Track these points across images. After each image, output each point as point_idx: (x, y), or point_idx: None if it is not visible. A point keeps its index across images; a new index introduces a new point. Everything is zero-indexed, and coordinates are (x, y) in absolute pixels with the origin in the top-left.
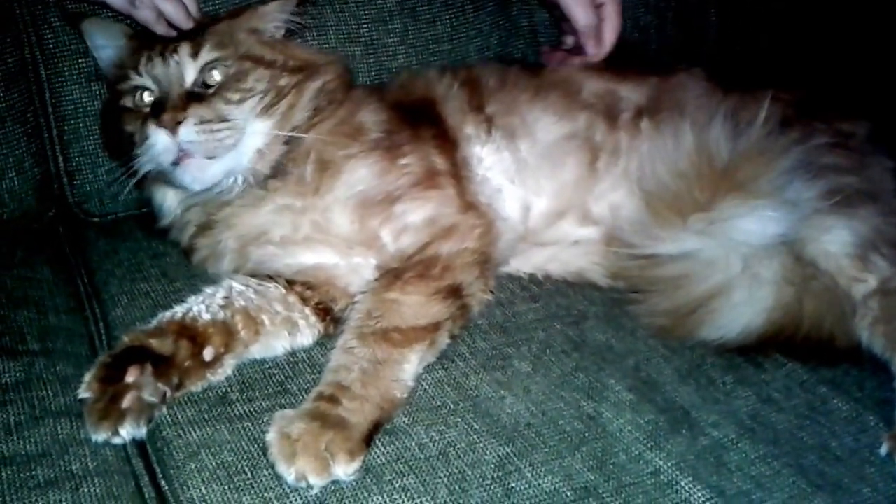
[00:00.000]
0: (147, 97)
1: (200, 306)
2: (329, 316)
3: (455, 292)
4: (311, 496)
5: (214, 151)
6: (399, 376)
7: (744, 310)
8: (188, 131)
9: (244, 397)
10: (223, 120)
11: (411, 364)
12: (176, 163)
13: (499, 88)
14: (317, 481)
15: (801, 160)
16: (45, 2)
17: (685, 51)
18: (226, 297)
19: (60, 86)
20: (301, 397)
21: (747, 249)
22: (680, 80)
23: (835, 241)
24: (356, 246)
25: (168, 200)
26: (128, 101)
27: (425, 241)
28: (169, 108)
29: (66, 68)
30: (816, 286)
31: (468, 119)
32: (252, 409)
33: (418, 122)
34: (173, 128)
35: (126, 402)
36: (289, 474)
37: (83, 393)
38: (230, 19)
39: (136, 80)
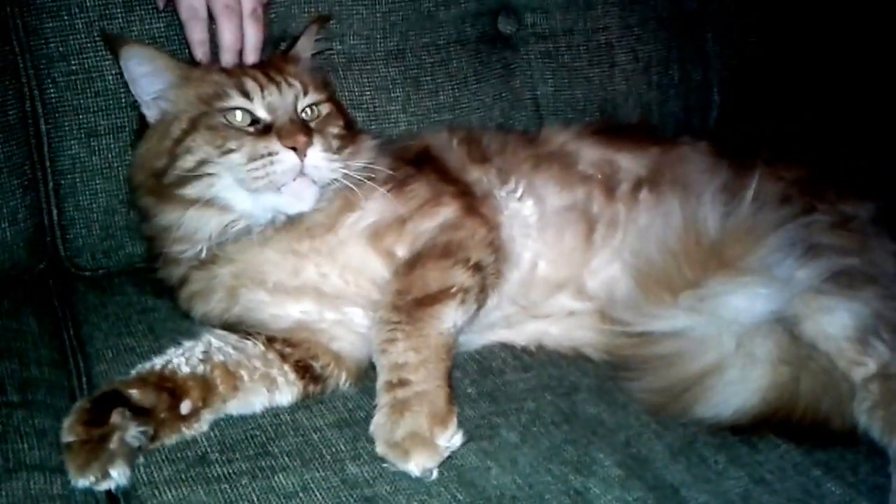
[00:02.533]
0: (240, 117)
1: (180, 359)
2: (309, 374)
3: (475, 266)
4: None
5: (322, 180)
6: (440, 328)
7: (738, 389)
8: (316, 156)
9: (223, 458)
10: (334, 153)
11: (448, 315)
12: (285, 184)
13: (500, 151)
14: (434, 461)
15: (793, 238)
16: (50, 56)
17: (687, 129)
18: (205, 352)
19: (60, 140)
20: (283, 460)
21: (740, 327)
22: (683, 152)
23: (834, 322)
24: (366, 271)
25: (207, 226)
26: (221, 118)
27: (434, 235)
28: (295, 132)
29: (66, 123)
30: (813, 366)
31: (470, 167)
32: (231, 471)
33: (421, 167)
34: (303, 150)
35: (113, 443)
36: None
37: (67, 436)
38: (292, 58)
39: (240, 102)
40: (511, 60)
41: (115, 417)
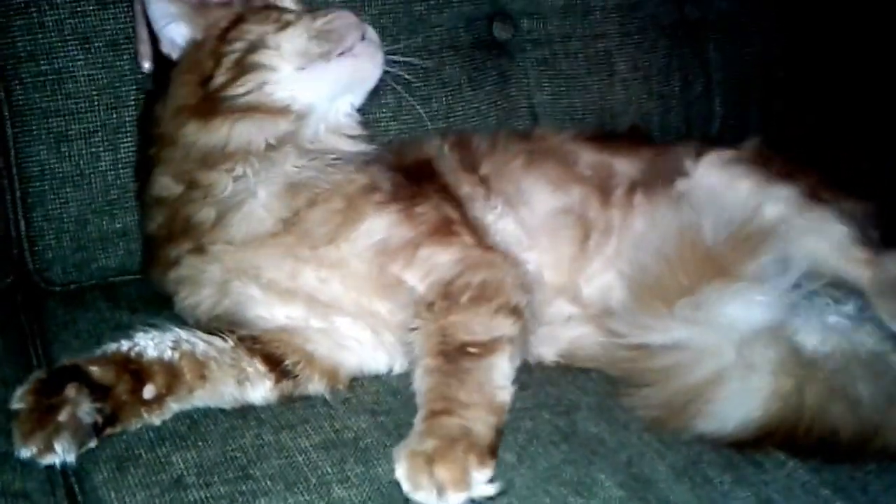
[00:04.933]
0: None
1: (147, 342)
2: (279, 368)
3: (514, 311)
4: None
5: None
6: (496, 380)
7: (739, 401)
8: (370, 30)
9: (201, 482)
10: None
11: (502, 369)
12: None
13: (490, 153)
14: (456, 495)
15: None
16: (18, 56)
17: (688, 138)
18: (174, 341)
19: (27, 145)
20: (265, 483)
21: (738, 336)
22: (675, 153)
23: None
24: (370, 295)
25: (259, 136)
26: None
27: (459, 270)
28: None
29: (34, 127)
30: (817, 375)
31: (462, 178)
32: (209, 496)
33: (420, 181)
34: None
35: (62, 415)
36: (429, 489)
37: (16, 404)
38: None
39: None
40: (507, 67)
41: (70, 391)
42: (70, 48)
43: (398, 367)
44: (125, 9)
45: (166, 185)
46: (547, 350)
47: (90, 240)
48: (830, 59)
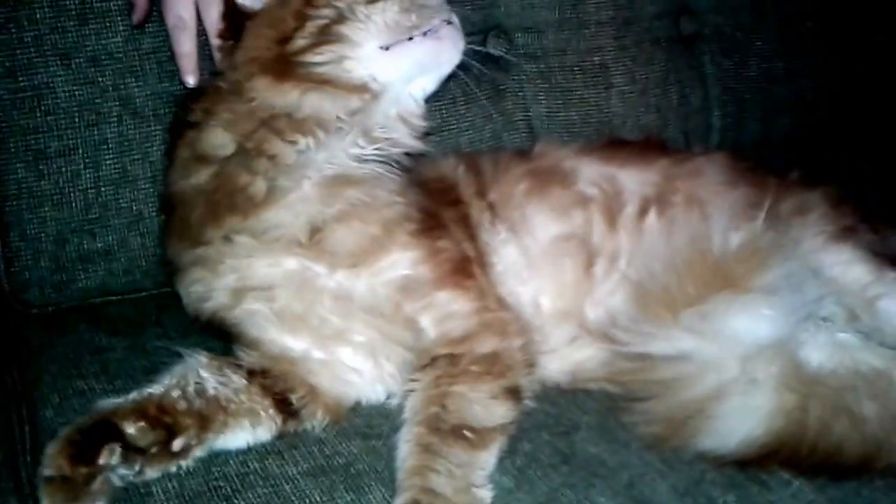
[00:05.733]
0: None
1: (176, 391)
2: (287, 408)
3: (515, 394)
4: None
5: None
6: (481, 479)
7: (741, 417)
8: (454, 15)
9: None
10: None
11: (489, 464)
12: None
13: (495, 179)
14: None
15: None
16: None
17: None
18: (198, 384)
19: (5, 163)
20: None
21: (743, 350)
22: (697, 165)
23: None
24: (377, 325)
25: (331, 109)
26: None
27: (472, 329)
28: None
29: (12, 144)
30: (821, 391)
31: (474, 205)
32: None
33: (441, 204)
34: None
35: (97, 484)
36: None
37: (48, 469)
38: None
39: None
40: (502, 81)
41: (105, 457)
42: (50, 64)
43: (398, 395)
44: (106, 24)
45: (219, 140)
46: (552, 372)
47: (69, 260)
48: (830, 63)
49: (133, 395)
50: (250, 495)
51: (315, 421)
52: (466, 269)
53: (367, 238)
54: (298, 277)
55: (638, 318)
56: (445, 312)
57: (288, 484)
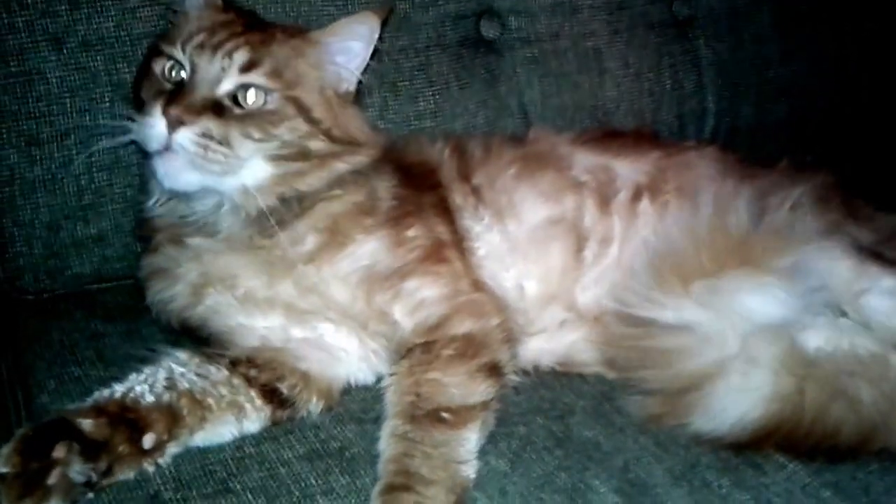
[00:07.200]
0: (175, 75)
1: (143, 386)
2: (276, 398)
3: (494, 370)
4: None
5: (197, 167)
6: (462, 455)
7: (738, 397)
8: (185, 137)
9: (178, 497)
10: (227, 146)
11: (470, 441)
12: (159, 152)
13: (483, 161)
14: None
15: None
16: None
17: (683, 138)
18: (168, 378)
19: None
20: (245, 497)
21: (748, 328)
22: (688, 158)
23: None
24: (353, 321)
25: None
26: (157, 66)
27: (446, 313)
28: (183, 105)
29: (4, 130)
30: (818, 374)
31: (457, 188)
32: None
33: (421, 188)
34: (175, 125)
35: (52, 478)
36: None
37: (2, 467)
38: (301, 38)
39: (178, 56)
40: (495, 65)
41: (59, 451)
42: (41, 49)
43: (386, 375)
44: (98, 9)
45: None
46: (544, 356)
47: (63, 246)
48: (825, 47)
49: (95, 395)
50: (246, 479)
51: (310, 406)
52: (439, 254)
53: (316, 231)
54: (259, 263)
55: (649, 283)
56: (416, 300)
57: (283, 467)
